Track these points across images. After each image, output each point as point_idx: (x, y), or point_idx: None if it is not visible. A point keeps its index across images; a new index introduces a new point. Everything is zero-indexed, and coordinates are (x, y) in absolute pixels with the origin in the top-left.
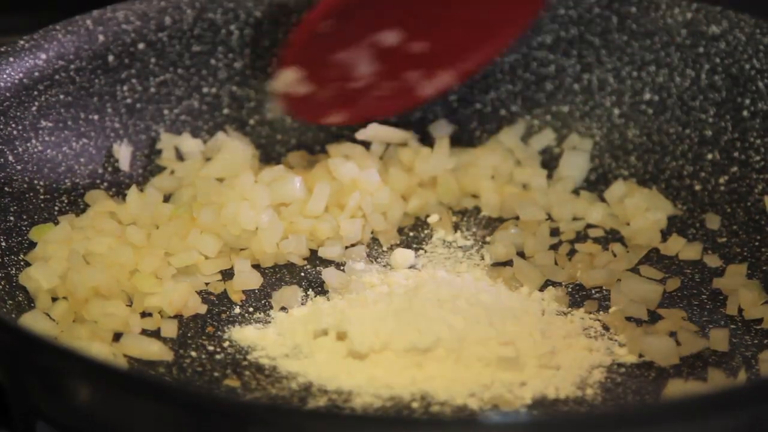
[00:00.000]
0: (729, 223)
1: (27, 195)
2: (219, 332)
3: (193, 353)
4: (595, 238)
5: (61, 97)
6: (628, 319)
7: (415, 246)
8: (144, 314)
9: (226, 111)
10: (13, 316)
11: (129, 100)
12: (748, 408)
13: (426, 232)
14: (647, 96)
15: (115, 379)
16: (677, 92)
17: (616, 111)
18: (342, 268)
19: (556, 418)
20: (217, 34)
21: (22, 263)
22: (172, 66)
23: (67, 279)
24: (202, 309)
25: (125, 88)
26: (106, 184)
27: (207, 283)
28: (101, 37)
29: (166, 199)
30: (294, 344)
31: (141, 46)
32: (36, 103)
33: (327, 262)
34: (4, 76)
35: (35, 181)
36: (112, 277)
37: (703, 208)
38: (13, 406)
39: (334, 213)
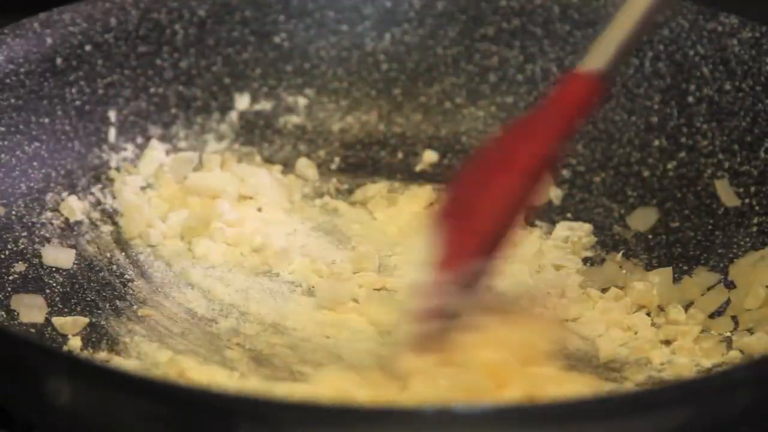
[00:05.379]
0: (680, 208)
1: None
2: None
3: None
4: None
5: (12, 101)
6: None
7: None
8: None
9: (173, 111)
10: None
11: (78, 102)
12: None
13: None
14: None
15: (106, 378)
16: (622, 80)
17: None
18: None
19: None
20: (162, 34)
21: None
22: (119, 67)
23: None
24: None
25: (74, 90)
26: (59, 187)
27: None
28: (49, 40)
29: None
30: None
31: (88, 47)
32: None
33: None
34: None
35: None
36: None
37: (653, 194)
38: None
39: None
